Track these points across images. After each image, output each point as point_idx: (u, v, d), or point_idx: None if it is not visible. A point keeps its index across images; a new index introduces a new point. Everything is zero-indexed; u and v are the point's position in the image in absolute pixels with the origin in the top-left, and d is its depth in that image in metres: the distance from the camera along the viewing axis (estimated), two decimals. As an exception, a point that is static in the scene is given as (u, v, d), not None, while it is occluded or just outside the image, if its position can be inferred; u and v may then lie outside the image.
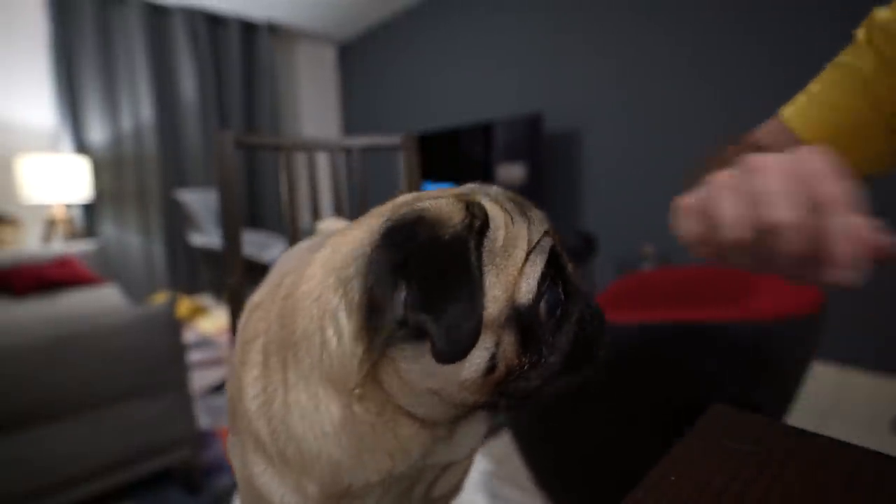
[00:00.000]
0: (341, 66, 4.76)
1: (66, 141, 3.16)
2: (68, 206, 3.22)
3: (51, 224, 3.02)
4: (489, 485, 0.68)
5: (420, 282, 0.26)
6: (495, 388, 0.29)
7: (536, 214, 0.32)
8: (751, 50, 2.07)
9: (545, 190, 2.82)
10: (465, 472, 0.39)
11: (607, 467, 0.91)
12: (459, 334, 0.26)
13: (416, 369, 0.29)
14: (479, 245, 0.28)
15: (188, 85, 3.66)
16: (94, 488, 1.15)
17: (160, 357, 1.19)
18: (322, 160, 2.90)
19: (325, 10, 3.84)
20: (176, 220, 3.65)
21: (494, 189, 0.34)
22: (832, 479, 0.30)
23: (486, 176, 3.05)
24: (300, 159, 0.87)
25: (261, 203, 4.16)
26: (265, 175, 4.14)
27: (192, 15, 3.63)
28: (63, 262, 2.37)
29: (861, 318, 1.81)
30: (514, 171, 2.88)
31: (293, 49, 4.43)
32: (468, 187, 0.35)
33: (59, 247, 2.61)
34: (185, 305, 3.10)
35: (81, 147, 3.25)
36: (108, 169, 3.38)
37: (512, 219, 0.30)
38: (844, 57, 0.52)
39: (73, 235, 3.09)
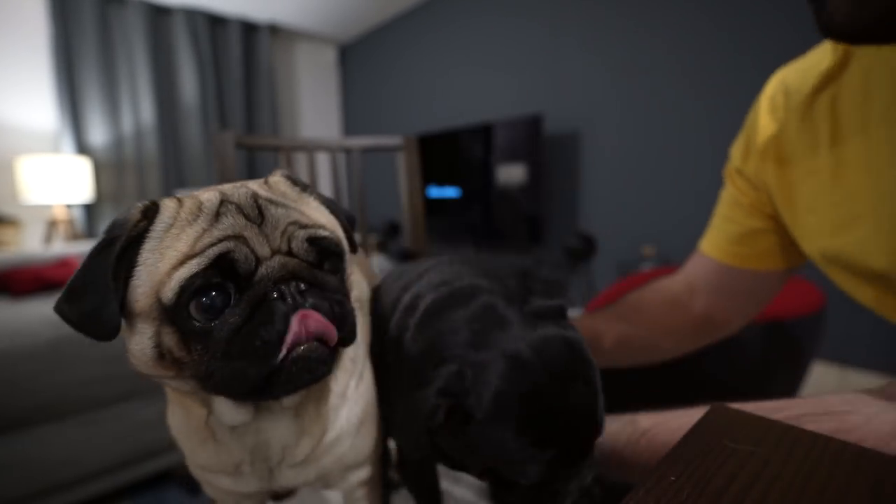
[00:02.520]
0: (342, 67, 4.77)
1: (67, 142, 3.17)
2: (69, 208, 3.22)
3: (52, 225, 3.02)
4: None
5: (74, 276, 0.33)
6: (176, 370, 0.33)
7: (234, 221, 0.33)
8: (750, 51, 2.07)
9: (545, 191, 2.82)
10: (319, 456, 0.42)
11: (608, 468, 0.91)
12: (97, 319, 0.32)
13: (128, 348, 0.35)
14: (137, 245, 0.33)
15: (189, 85, 3.66)
16: (94, 489, 1.15)
17: (160, 358, 1.19)
18: (322, 161, 2.91)
19: (325, 10, 3.84)
20: (176, 221, 3.65)
21: (232, 190, 0.36)
22: (832, 480, 0.30)
23: (487, 177, 3.05)
24: (300, 160, 0.87)
25: (261, 204, 4.16)
26: (266, 175, 4.15)
27: (193, 15, 3.63)
28: (64, 264, 2.38)
29: (861, 318, 1.81)
30: (513, 172, 2.89)
31: (294, 50, 4.43)
32: (212, 191, 0.37)
33: (60, 248, 2.61)
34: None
35: (82, 148, 3.25)
36: (108, 170, 3.38)
37: (188, 223, 0.33)
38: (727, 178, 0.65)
39: (73, 236, 3.09)
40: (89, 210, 3.34)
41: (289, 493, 0.53)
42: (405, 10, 3.89)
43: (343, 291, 0.35)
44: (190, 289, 0.31)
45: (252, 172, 4.08)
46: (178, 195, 0.36)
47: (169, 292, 0.31)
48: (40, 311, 1.87)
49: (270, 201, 0.35)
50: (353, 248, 0.38)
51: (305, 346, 0.32)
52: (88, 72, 3.23)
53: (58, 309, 0.33)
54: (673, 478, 0.31)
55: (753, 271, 0.62)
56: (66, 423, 1.09)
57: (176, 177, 3.67)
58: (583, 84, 2.72)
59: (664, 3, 2.34)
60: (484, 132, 3.03)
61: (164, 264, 0.32)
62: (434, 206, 3.39)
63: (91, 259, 0.33)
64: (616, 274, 2.65)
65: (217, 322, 0.32)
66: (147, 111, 3.47)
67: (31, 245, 3.13)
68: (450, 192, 3.33)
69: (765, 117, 0.56)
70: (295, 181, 0.40)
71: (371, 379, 0.45)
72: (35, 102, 3.15)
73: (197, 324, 0.32)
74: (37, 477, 1.06)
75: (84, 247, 2.67)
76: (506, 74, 3.15)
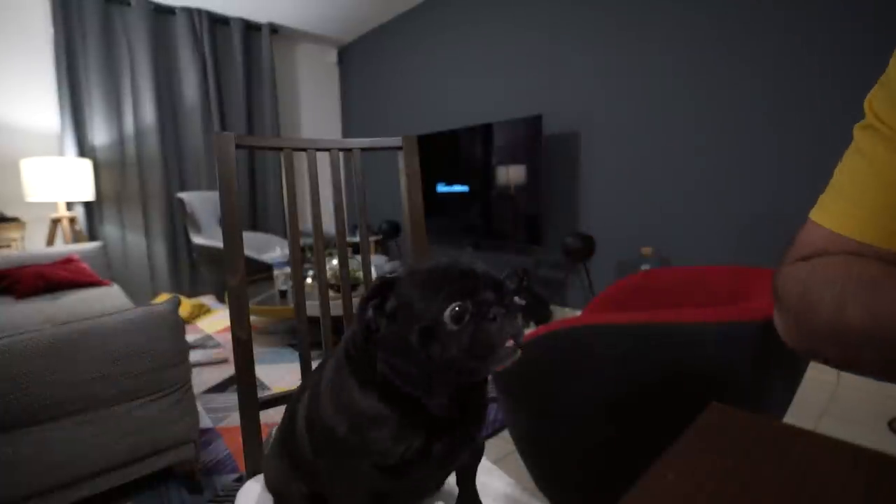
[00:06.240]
0: (342, 68, 4.77)
1: (70, 143, 3.17)
2: (71, 208, 3.23)
3: (54, 225, 3.03)
4: (489, 484, 0.68)
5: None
6: None
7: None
8: (748, 52, 2.07)
9: (545, 191, 2.82)
10: None
11: (607, 467, 0.92)
12: None
13: None
14: None
15: (190, 86, 3.66)
16: (96, 488, 1.15)
17: (163, 357, 1.20)
18: (322, 161, 2.90)
19: (326, 11, 3.85)
20: (178, 222, 3.65)
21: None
22: (830, 479, 0.31)
23: (487, 177, 3.05)
24: (301, 160, 0.87)
25: (262, 204, 4.17)
26: (266, 176, 4.15)
27: (195, 16, 3.64)
28: (66, 263, 2.38)
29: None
30: (513, 173, 2.89)
31: (294, 50, 4.43)
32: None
33: (63, 248, 2.62)
34: (185, 306, 3.11)
35: (85, 148, 3.26)
36: (110, 170, 3.39)
37: None
38: (862, 141, 0.46)
39: (76, 237, 3.10)
40: (91, 211, 3.35)
41: None
42: (405, 11, 3.89)
43: None
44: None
45: (252, 173, 4.09)
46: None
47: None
48: (44, 310, 1.88)
49: None
50: None
51: None
52: (91, 73, 3.24)
53: None
54: (671, 476, 0.31)
55: None
56: (69, 422, 1.09)
57: (177, 177, 3.68)
58: (583, 84, 2.72)
59: (664, 5, 2.34)
60: (484, 133, 3.03)
61: None
62: (434, 206, 3.39)
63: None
64: (615, 274, 2.65)
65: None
66: (148, 111, 3.47)
67: (34, 244, 3.13)
68: (451, 191, 3.33)
69: None
70: None
71: None
72: (39, 104, 3.15)
73: None
74: (40, 475, 1.06)
75: (86, 246, 2.68)
76: (506, 75, 3.15)
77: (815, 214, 0.48)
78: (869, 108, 0.45)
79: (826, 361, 0.41)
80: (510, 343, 0.43)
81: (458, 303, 0.43)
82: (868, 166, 0.45)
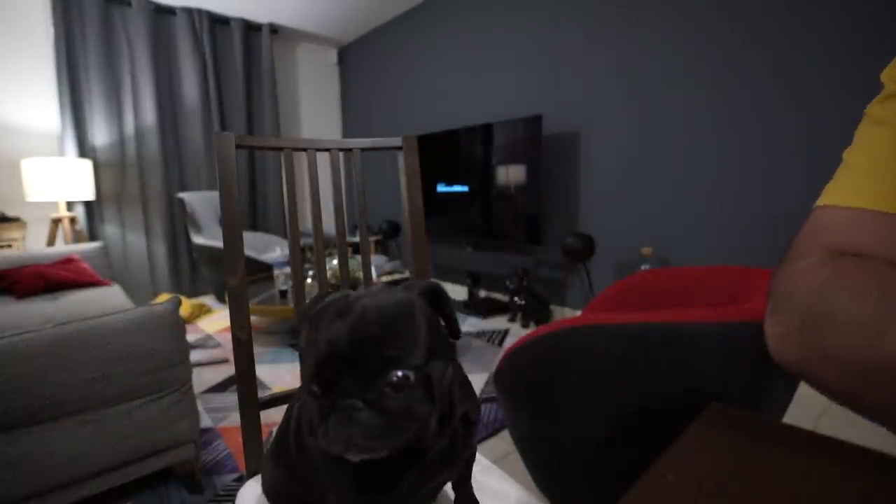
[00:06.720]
0: (342, 68, 4.77)
1: (71, 143, 3.17)
2: (71, 208, 3.23)
3: (55, 225, 3.03)
4: (489, 484, 0.68)
5: None
6: None
7: None
8: (748, 53, 2.07)
9: (545, 191, 2.82)
10: None
11: (607, 467, 0.92)
12: None
13: None
14: None
15: (190, 86, 3.66)
16: (96, 487, 1.15)
17: (163, 357, 1.20)
18: (322, 161, 2.91)
19: (326, 12, 3.85)
20: (178, 222, 3.65)
21: None
22: (830, 479, 0.30)
23: (487, 177, 3.05)
24: (301, 160, 0.87)
25: (262, 204, 4.17)
26: (266, 176, 4.15)
27: (195, 16, 3.64)
28: (67, 263, 2.38)
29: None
30: (513, 172, 2.89)
31: (295, 50, 4.43)
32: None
33: (63, 248, 2.62)
34: (186, 306, 3.11)
35: (85, 148, 3.26)
36: (110, 170, 3.39)
37: None
38: (881, 112, 0.42)
39: (76, 237, 3.10)
40: (91, 211, 3.35)
41: None
42: (405, 11, 3.89)
43: None
44: None
45: (252, 173, 4.09)
46: None
47: None
48: (45, 310, 1.88)
49: None
50: None
51: None
52: (91, 73, 3.24)
53: None
54: (671, 476, 0.31)
55: None
56: (69, 422, 1.09)
57: (177, 177, 3.68)
58: (583, 84, 2.72)
59: (664, 4, 2.34)
60: (484, 133, 3.03)
61: None
62: (434, 206, 3.39)
63: None
64: (615, 274, 2.65)
65: None
66: (149, 111, 3.47)
67: (35, 244, 3.14)
68: (451, 191, 3.33)
69: None
70: None
71: None
72: (39, 104, 3.15)
73: None
74: (40, 475, 1.06)
75: (86, 246, 2.68)
76: (506, 74, 3.15)
77: (826, 199, 0.43)
78: (888, 78, 0.42)
79: (827, 392, 0.33)
80: (342, 448, 0.37)
81: (315, 386, 0.39)
82: (893, 136, 0.40)
